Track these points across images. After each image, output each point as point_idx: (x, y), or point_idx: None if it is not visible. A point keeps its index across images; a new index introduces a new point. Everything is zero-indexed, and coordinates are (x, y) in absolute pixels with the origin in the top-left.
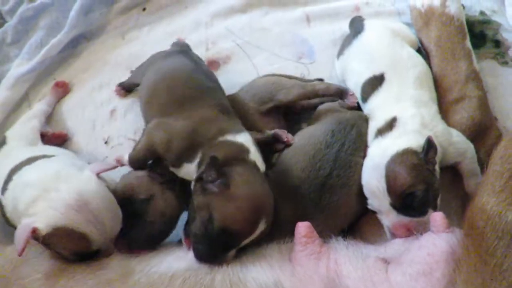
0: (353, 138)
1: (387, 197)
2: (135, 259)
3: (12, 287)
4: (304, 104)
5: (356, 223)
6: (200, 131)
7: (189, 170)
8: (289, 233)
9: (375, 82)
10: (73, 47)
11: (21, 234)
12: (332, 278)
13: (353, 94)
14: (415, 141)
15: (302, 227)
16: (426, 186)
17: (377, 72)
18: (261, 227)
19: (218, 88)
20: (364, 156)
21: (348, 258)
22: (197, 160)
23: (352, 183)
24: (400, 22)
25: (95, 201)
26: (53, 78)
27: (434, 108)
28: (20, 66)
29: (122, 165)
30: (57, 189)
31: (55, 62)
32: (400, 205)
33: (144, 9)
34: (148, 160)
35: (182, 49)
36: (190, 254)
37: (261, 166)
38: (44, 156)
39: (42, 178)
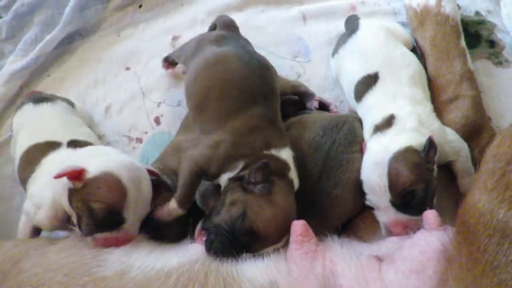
0: (345, 134)
1: (388, 194)
2: (135, 255)
3: (10, 282)
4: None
5: (350, 220)
6: (244, 143)
7: (227, 178)
8: None
9: (369, 81)
10: (68, 43)
11: (68, 167)
12: (327, 277)
13: (317, 99)
14: (415, 140)
15: (298, 226)
16: (426, 185)
17: (371, 71)
18: (283, 241)
19: (270, 90)
20: (360, 151)
21: (342, 256)
22: (237, 170)
23: (346, 181)
24: (395, 21)
25: (144, 175)
26: (47, 75)
27: (429, 106)
28: (15, 62)
29: (169, 215)
30: (118, 154)
31: (50, 59)
32: (400, 202)
33: (140, 6)
34: (196, 188)
35: (232, 34)
36: (191, 247)
37: (296, 184)
38: None
39: (107, 149)
